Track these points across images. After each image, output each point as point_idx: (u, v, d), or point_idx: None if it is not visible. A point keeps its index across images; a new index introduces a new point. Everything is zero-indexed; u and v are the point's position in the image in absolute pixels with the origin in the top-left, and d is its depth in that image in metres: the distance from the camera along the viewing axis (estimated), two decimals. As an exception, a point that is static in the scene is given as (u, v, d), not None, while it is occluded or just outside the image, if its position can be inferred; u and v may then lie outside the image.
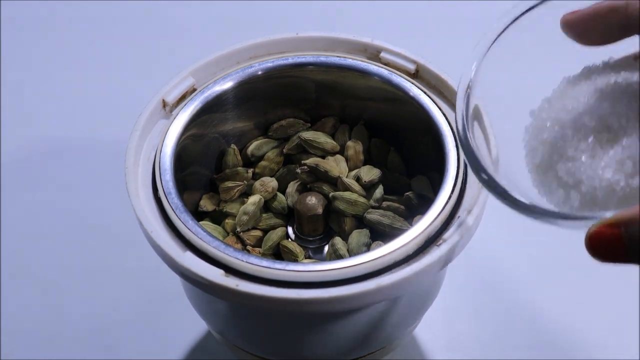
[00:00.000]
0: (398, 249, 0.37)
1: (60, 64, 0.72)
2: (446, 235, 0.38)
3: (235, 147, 0.46)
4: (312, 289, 0.36)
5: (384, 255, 0.37)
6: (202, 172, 0.46)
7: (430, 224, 0.38)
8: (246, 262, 0.36)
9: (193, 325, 0.54)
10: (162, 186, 0.40)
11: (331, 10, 0.75)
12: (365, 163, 0.46)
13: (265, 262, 0.36)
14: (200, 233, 0.38)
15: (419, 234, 0.37)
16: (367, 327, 0.41)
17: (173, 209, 0.39)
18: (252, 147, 0.47)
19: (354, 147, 0.46)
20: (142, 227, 0.38)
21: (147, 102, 0.43)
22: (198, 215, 0.45)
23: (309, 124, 0.47)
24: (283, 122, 0.47)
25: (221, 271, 0.36)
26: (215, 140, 0.46)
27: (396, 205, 0.44)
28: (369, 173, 0.44)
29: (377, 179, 0.45)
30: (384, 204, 0.44)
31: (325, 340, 0.41)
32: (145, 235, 0.38)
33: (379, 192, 0.44)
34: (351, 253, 0.42)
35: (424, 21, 0.76)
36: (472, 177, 0.40)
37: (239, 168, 0.46)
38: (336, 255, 0.42)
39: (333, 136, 0.47)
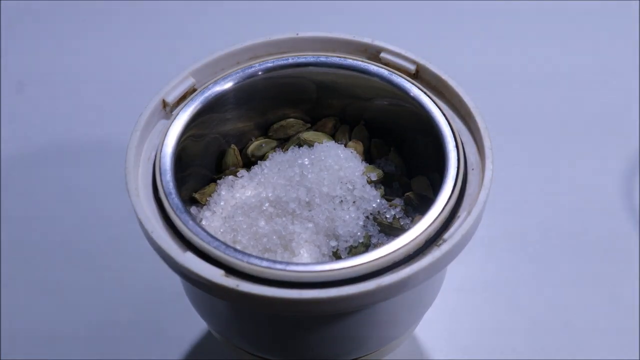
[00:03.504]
0: (398, 249, 0.37)
1: (61, 64, 0.72)
2: (446, 235, 0.38)
3: (235, 147, 0.46)
4: (313, 289, 0.36)
5: (384, 256, 0.37)
6: (202, 172, 0.46)
7: (431, 224, 0.38)
8: (247, 262, 0.36)
9: (193, 326, 0.54)
10: (163, 186, 0.40)
11: (331, 11, 0.75)
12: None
13: (265, 263, 0.36)
14: (200, 233, 0.38)
15: (420, 234, 0.37)
16: (367, 327, 0.41)
17: (173, 209, 0.39)
18: (252, 147, 0.46)
19: (355, 147, 0.46)
20: (142, 227, 0.38)
21: (147, 102, 0.43)
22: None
23: (309, 124, 0.47)
24: (283, 123, 0.47)
25: (221, 271, 0.36)
26: (215, 140, 0.46)
27: (396, 205, 0.44)
28: (372, 172, 0.45)
29: (379, 179, 0.45)
30: (385, 204, 0.44)
31: (325, 340, 0.41)
32: (146, 235, 0.38)
33: (381, 192, 0.44)
34: None
35: (424, 22, 0.76)
36: (472, 176, 0.41)
37: (239, 168, 0.46)
38: None
39: (333, 136, 0.47)
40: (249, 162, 0.47)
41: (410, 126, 0.45)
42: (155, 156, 0.41)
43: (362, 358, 0.44)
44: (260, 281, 0.36)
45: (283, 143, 0.47)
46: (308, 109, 0.48)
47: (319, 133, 0.47)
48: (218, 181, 0.45)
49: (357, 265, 0.36)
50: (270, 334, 0.42)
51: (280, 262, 0.37)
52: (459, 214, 0.39)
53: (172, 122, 0.42)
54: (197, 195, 0.44)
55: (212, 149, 0.46)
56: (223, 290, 0.36)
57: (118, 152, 0.44)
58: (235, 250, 0.37)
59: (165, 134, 0.42)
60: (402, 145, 0.47)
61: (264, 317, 0.40)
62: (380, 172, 0.45)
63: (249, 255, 0.37)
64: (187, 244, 0.38)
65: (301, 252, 0.41)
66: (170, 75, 0.44)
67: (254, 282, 0.36)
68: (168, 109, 0.43)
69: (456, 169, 0.40)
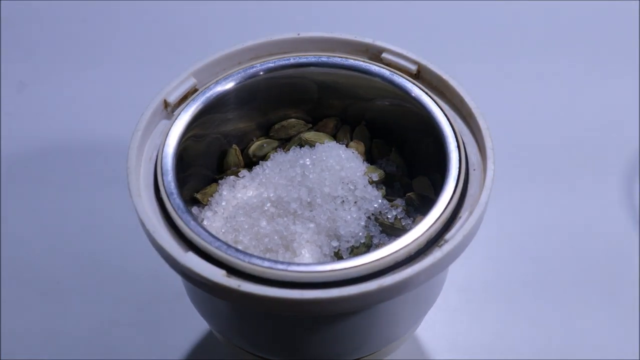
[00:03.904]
0: (400, 249, 0.37)
1: (61, 63, 0.72)
2: (448, 235, 0.38)
3: (236, 147, 0.46)
4: (315, 289, 0.36)
5: (385, 256, 0.37)
6: (203, 172, 0.46)
7: (432, 224, 0.38)
8: (248, 262, 0.37)
9: (193, 326, 0.54)
10: (164, 186, 0.40)
11: (332, 11, 0.76)
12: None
13: (267, 263, 0.37)
14: (202, 233, 0.38)
15: (421, 235, 0.38)
16: (368, 328, 0.41)
17: (175, 209, 0.39)
18: (253, 147, 0.47)
19: (356, 147, 0.46)
20: (143, 227, 0.39)
21: (148, 102, 0.43)
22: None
23: (311, 125, 0.48)
24: (284, 123, 0.47)
25: (223, 271, 0.37)
26: (217, 140, 0.46)
27: (398, 205, 0.44)
28: (374, 173, 0.45)
29: (380, 180, 0.45)
30: (386, 204, 0.45)
31: (326, 340, 0.41)
32: (147, 235, 0.39)
33: (383, 192, 0.45)
34: None
35: (425, 22, 0.77)
36: (473, 177, 0.41)
37: (241, 168, 0.46)
38: None
39: (335, 137, 0.47)
40: (250, 162, 0.47)
41: (412, 126, 0.45)
42: (157, 156, 0.41)
43: (364, 358, 0.44)
44: (262, 281, 0.37)
45: (284, 143, 0.48)
46: (309, 109, 0.48)
47: (320, 133, 0.47)
48: (219, 181, 0.46)
49: (359, 265, 0.37)
50: (271, 334, 0.42)
51: (282, 263, 0.37)
52: (460, 214, 0.39)
53: (174, 122, 0.42)
54: (198, 196, 0.45)
55: (213, 149, 0.46)
56: (225, 291, 0.36)
57: (119, 152, 0.45)
58: (237, 250, 0.37)
59: (167, 134, 0.42)
60: (404, 146, 0.47)
61: (265, 317, 0.40)
62: (381, 172, 0.45)
63: (251, 255, 0.37)
64: (189, 244, 0.38)
65: (303, 252, 0.42)
66: (171, 75, 0.44)
67: (256, 283, 0.36)
68: (169, 109, 0.44)
69: (457, 170, 0.40)
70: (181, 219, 0.39)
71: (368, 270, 0.37)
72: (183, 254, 0.37)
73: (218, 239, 0.38)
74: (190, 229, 0.38)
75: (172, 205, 0.39)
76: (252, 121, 0.47)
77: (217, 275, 0.36)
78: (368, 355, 0.44)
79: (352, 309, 0.38)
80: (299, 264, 0.37)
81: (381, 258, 0.37)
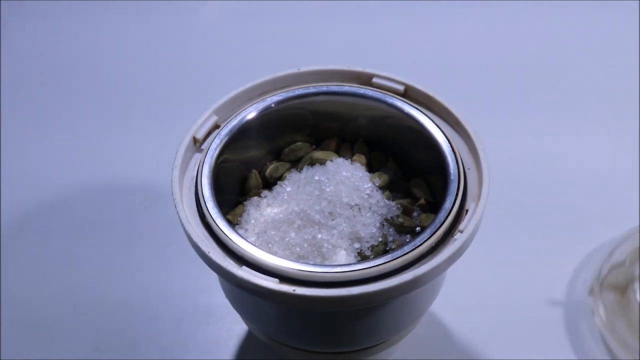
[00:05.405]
0: (423, 243, 0.42)
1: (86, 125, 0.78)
2: (462, 226, 0.43)
3: (256, 172, 0.51)
4: (357, 286, 0.41)
5: (413, 250, 0.42)
6: (229, 197, 0.50)
7: (445, 219, 0.43)
8: (298, 270, 0.41)
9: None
10: (210, 213, 0.44)
11: (324, 47, 0.82)
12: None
13: (314, 268, 0.42)
14: (254, 250, 0.43)
15: (438, 228, 0.43)
16: (397, 314, 0.46)
17: (224, 232, 0.43)
18: (269, 170, 0.51)
19: (359, 160, 0.51)
20: (198, 250, 0.43)
21: (178, 141, 0.47)
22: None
23: (314, 146, 0.53)
24: (293, 146, 0.52)
25: (276, 280, 0.41)
26: (238, 167, 0.50)
27: (404, 205, 0.49)
28: (381, 178, 0.50)
29: (384, 184, 0.50)
30: (393, 206, 0.50)
31: (360, 328, 0.46)
32: (202, 256, 0.43)
33: (387, 195, 0.49)
34: None
35: (408, 49, 0.83)
36: (469, 175, 0.46)
37: (261, 190, 0.51)
38: None
39: (337, 153, 0.52)
40: (268, 184, 0.51)
41: (404, 138, 0.50)
42: (196, 187, 0.46)
43: (388, 341, 0.49)
44: (311, 284, 0.41)
45: (295, 164, 0.52)
46: (311, 133, 0.53)
47: (327, 152, 0.52)
48: (244, 203, 0.50)
49: (391, 261, 0.42)
50: (315, 328, 0.47)
51: (327, 266, 0.42)
52: (467, 207, 0.45)
53: (205, 155, 0.47)
54: (229, 217, 0.49)
55: (235, 175, 0.51)
56: (280, 296, 0.41)
57: (151, 185, 0.49)
58: (289, 261, 0.42)
59: (202, 167, 0.46)
60: (399, 155, 0.52)
61: (313, 314, 0.45)
62: (385, 177, 0.50)
63: (300, 263, 0.42)
64: (240, 259, 0.43)
65: (331, 255, 0.46)
66: (191, 117, 0.49)
67: (306, 286, 0.41)
68: (198, 145, 0.48)
69: (457, 170, 0.45)
70: (232, 239, 0.43)
71: (402, 263, 0.42)
72: (238, 269, 0.42)
73: (268, 253, 0.42)
74: (243, 247, 0.43)
75: (220, 228, 0.44)
76: (263, 148, 0.52)
77: (272, 283, 0.41)
78: (395, 336, 0.49)
79: (389, 299, 0.42)
80: (340, 266, 0.42)
81: (411, 251, 0.42)
